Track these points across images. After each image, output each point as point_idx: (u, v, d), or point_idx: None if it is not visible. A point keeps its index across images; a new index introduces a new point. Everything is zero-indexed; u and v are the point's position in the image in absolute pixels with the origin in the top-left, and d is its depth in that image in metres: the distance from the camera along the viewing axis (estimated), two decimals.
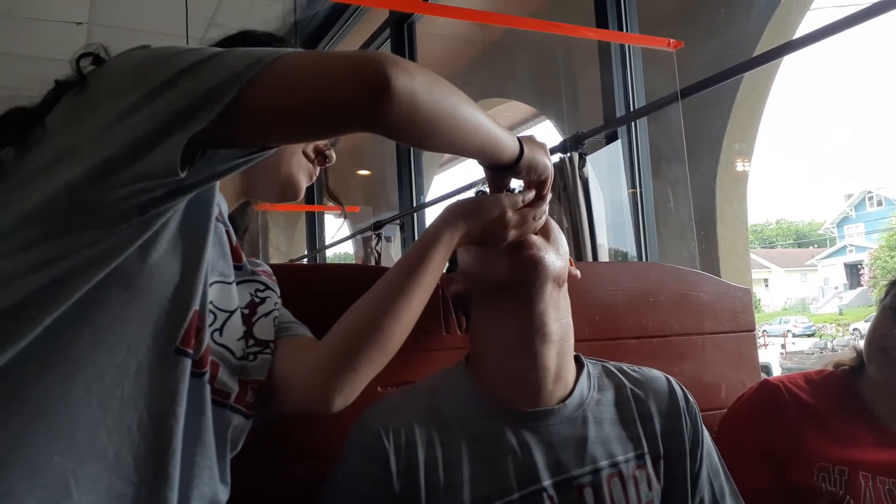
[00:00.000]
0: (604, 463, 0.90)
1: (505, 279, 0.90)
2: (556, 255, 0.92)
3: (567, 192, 2.11)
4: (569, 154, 2.18)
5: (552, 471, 0.87)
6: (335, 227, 6.60)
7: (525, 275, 0.89)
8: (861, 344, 1.29)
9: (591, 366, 0.99)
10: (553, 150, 2.47)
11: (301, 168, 0.95)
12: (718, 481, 0.98)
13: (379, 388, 1.14)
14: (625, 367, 1.02)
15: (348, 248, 6.05)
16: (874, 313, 1.25)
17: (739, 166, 3.01)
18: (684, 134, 1.99)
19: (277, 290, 0.92)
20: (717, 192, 2.96)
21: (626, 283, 1.41)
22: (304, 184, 0.95)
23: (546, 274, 0.89)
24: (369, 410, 0.92)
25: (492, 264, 0.91)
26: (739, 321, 1.56)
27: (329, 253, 6.17)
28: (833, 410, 1.21)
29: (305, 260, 6.39)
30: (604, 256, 2.40)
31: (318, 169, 0.99)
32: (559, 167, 2.22)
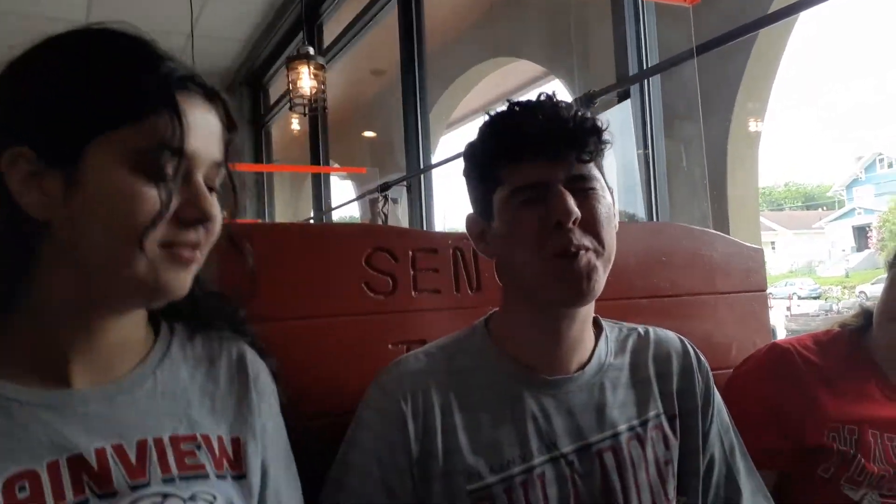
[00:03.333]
0: (622, 427, 0.90)
1: (548, 296, 0.85)
2: (606, 270, 0.85)
3: None
4: None
5: (572, 437, 0.87)
6: (341, 190, 6.58)
7: (573, 303, 0.86)
8: (867, 303, 1.30)
9: (608, 329, 0.98)
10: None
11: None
12: (728, 438, 0.99)
13: (389, 346, 1.14)
14: (639, 328, 1.01)
15: (354, 211, 6.04)
16: (885, 279, 1.24)
17: (752, 126, 2.96)
18: (699, 91, 1.95)
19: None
20: (729, 152, 2.91)
21: (639, 242, 1.40)
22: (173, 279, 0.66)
23: (591, 297, 0.85)
24: (387, 373, 0.91)
25: (534, 274, 0.84)
26: (751, 281, 1.55)
27: (335, 215, 6.16)
28: (842, 370, 1.22)
29: (312, 222, 6.40)
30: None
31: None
32: None
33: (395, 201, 3.90)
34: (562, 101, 0.85)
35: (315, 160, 5.25)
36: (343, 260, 1.13)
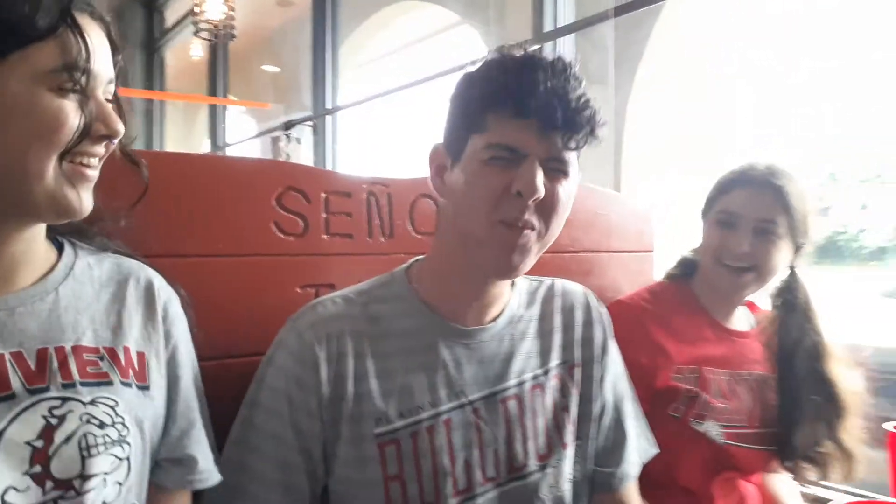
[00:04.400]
0: (527, 376, 0.94)
1: (476, 261, 0.86)
2: (540, 251, 0.87)
3: None
4: None
5: (480, 385, 0.90)
6: (239, 125, 6.28)
7: (496, 274, 0.88)
8: (687, 254, 1.42)
9: (520, 281, 1.01)
10: (476, 62, 2.41)
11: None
12: (623, 385, 1.06)
13: (298, 289, 1.13)
14: (547, 280, 1.05)
15: (254, 149, 5.79)
16: (704, 228, 1.35)
17: (652, 92, 3.08)
18: (613, 55, 2.00)
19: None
20: (628, 116, 3.03)
21: None
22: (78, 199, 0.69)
23: (516, 275, 0.87)
24: (303, 315, 0.90)
25: (472, 235, 0.85)
26: (642, 242, 1.65)
27: (231, 154, 5.89)
28: (678, 316, 1.31)
29: None
30: None
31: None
32: None
33: (298, 141, 3.77)
34: (575, 75, 0.82)
35: (213, 91, 4.97)
36: (252, 197, 1.09)
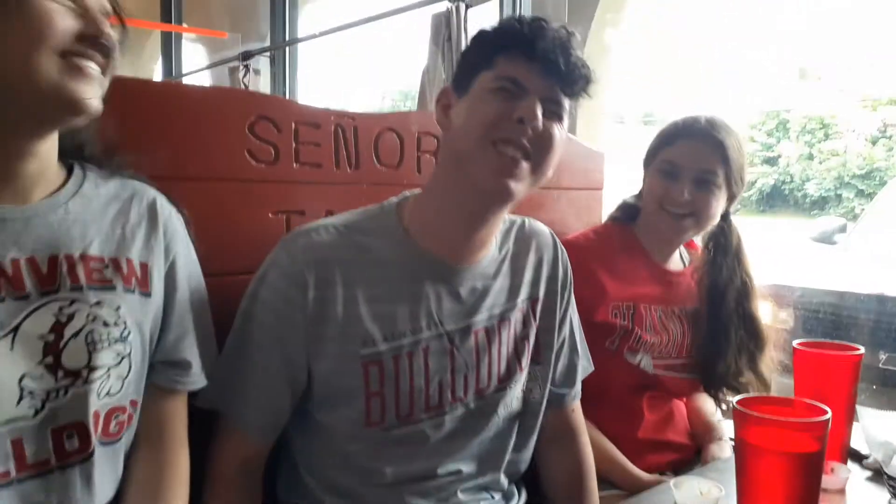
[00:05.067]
0: (497, 310, 1.04)
1: (471, 179, 0.92)
2: (530, 187, 0.94)
3: (451, 43, 2.14)
4: (455, 4, 2.19)
5: (456, 318, 1.00)
6: (194, 55, 6.07)
7: (490, 200, 0.95)
8: (628, 198, 1.52)
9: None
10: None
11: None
12: (575, 314, 1.19)
13: (270, 214, 1.20)
14: (518, 219, 1.12)
15: (204, 80, 5.63)
16: (646, 176, 1.44)
17: (609, 35, 3.16)
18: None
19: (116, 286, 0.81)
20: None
21: None
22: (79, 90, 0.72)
23: (509, 203, 0.95)
24: (298, 239, 0.96)
25: (469, 154, 0.92)
26: (591, 179, 1.76)
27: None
28: (619, 256, 1.41)
29: None
30: None
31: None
32: (444, 16, 2.23)
33: (256, 72, 3.72)
34: (577, 39, 0.94)
35: (167, 17, 4.79)
36: (226, 125, 1.14)
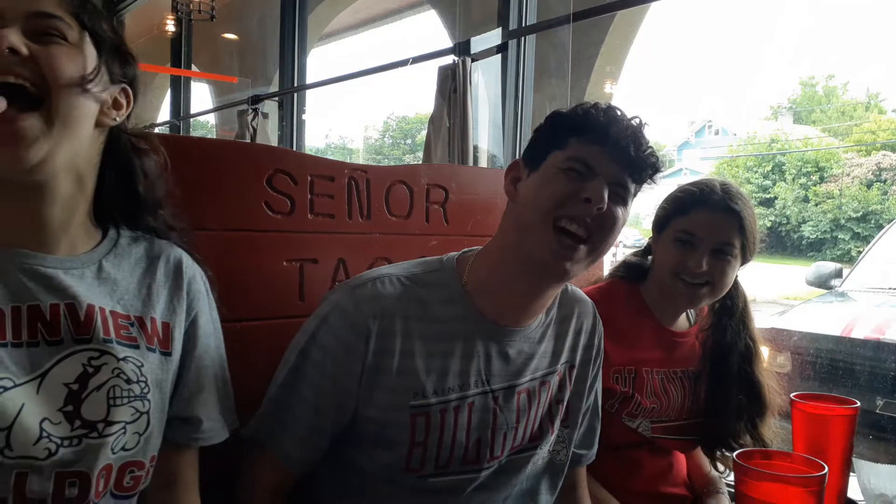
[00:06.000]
0: (539, 373, 1.07)
1: (532, 254, 0.95)
2: (587, 267, 0.97)
3: (456, 96, 2.22)
4: (462, 58, 2.27)
5: (503, 378, 1.02)
6: (202, 95, 6.20)
7: (546, 277, 0.98)
8: (632, 258, 1.51)
9: None
10: (443, 53, 2.54)
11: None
12: (599, 383, 1.22)
13: (284, 262, 1.24)
14: (563, 285, 1.13)
15: (210, 118, 5.73)
16: (662, 240, 1.38)
17: (608, 88, 3.26)
18: (570, 54, 2.15)
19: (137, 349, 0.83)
20: None
21: (497, 185, 1.57)
22: None
23: (564, 282, 1.01)
24: (364, 287, 0.98)
25: (533, 228, 0.95)
26: None
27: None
28: (623, 316, 1.37)
29: (168, 129, 5.97)
30: (482, 160, 2.57)
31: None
32: (450, 69, 2.31)
33: (265, 115, 3.80)
34: (646, 130, 0.99)
35: (177, 62, 4.91)
36: (245, 178, 1.20)
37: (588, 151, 0.95)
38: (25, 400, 0.72)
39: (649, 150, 0.97)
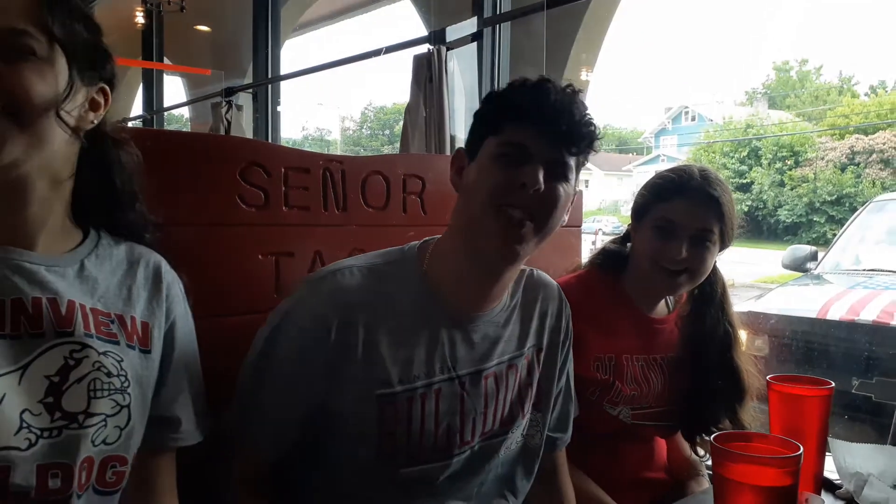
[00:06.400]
0: (506, 357, 1.07)
1: (479, 246, 0.96)
2: (537, 245, 0.97)
3: (432, 85, 2.20)
4: (437, 46, 2.25)
5: (468, 363, 1.03)
6: (174, 88, 6.11)
7: (498, 262, 0.98)
8: (611, 246, 1.51)
9: None
10: (417, 42, 2.51)
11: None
12: (571, 366, 1.22)
13: (260, 256, 1.22)
14: (525, 269, 1.14)
15: (184, 112, 5.66)
16: (642, 229, 1.39)
17: (584, 75, 3.26)
18: (545, 41, 2.15)
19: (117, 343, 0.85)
20: None
21: None
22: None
23: (516, 264, 0.99)
24: (325, 281, 0.99)
25: (476, 219, 0.95)
26: (570, 217, 1.80)
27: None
28: (602, 304, 1.38)
29: (141, 123, 5.88)
30: None
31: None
32: (426, 58, 2.30)
33: (239, 108, 3.76)
34: (580, 97, 0.97)
35: (148, 55, 4.83)
36: (218, 171, 1.18)
37: (519, 134, 0.95)
38: (6, 391, 0.73)
39: (584, 119, 0.95)
